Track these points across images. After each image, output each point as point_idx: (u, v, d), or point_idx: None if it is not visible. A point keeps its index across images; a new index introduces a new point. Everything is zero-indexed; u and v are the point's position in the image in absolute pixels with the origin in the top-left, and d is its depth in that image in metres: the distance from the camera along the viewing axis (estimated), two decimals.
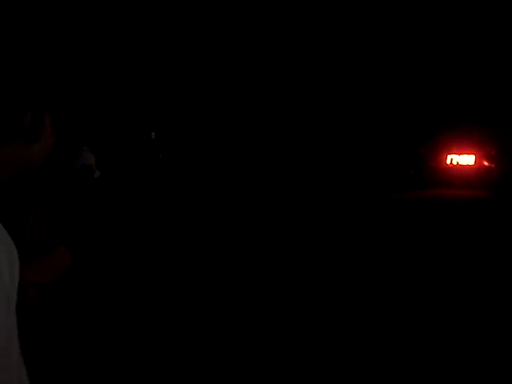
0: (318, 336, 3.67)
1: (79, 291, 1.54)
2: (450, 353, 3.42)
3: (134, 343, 3.48)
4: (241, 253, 6.17)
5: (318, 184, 13.81)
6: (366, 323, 3.96)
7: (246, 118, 19.76)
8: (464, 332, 3.77)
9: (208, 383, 3.06)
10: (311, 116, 19.65)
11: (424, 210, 10.16)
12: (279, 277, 5.18)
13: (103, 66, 16.24)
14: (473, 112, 17.27)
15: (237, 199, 11.11)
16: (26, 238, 1.53)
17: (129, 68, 17.79)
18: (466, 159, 15.75)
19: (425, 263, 5.78)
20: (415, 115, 18.39)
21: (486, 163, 15.40)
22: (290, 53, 19.14)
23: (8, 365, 0.64)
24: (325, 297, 4.57)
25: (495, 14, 16.98)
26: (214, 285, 4.88)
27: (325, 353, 3.40)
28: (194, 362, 3.26)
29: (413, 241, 7.00)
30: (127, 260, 5.60)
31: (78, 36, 13.35)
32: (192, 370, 3.17)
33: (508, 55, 17.18)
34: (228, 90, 19.62)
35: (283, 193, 12.11)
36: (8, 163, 0.68)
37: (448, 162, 15.93)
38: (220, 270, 5.36)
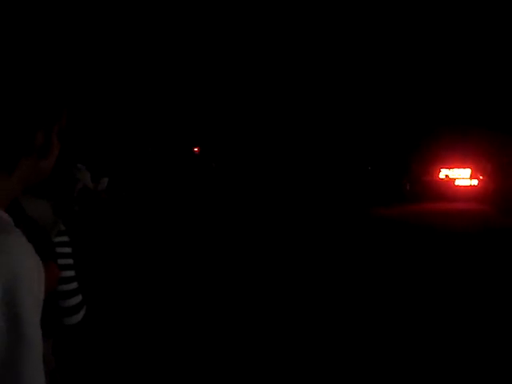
0: (307, 340, 3.78)
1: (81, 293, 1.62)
2: (435, 364, 3.51)
3: (135, 343, 3.60)
4: (234, 259, 6.28)
5: (314, 198, 13.90)
6: (356, 333, 4.04)
7: (244, 132, 19.94)
8: (457, 347, 3.84)
9: (208, 383, 3.14)
10: (309, 131, 19.82)
11: (415, 225, 10.18)
12: (273, 283, 5.29)
13: (107, 81, 16.48)
14: (468, 124, 17.32)
15: (231, 210, 11.23)
16: None
17: (132, 81, 18.02)
18: (462, 173, 15.71)
19: (415, 277, 5.87)
20: (410, 130, 18.52)
21: (481, 177, 15.38)
22: (284, 71, 19.38)
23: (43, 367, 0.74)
24: (318, 302, 4.68)
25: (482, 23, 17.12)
26: (213, 289, 5.03)
27: (316, 355, 3.50)
28: (194, 362, 3.37)
29: (403, 256, 7.07)
30: (129, 263, 5.74)
31: (83, 51, 13.60)
32: (192, 370, 3.29)
33: (502, 64, 17.35)
34: (224, 111, 19.85)
35: (280, 207, 12.21)
36: (23, 177, 0.76)
37: (443, 176, 15.89)
38: (216, 278, 5.47)
